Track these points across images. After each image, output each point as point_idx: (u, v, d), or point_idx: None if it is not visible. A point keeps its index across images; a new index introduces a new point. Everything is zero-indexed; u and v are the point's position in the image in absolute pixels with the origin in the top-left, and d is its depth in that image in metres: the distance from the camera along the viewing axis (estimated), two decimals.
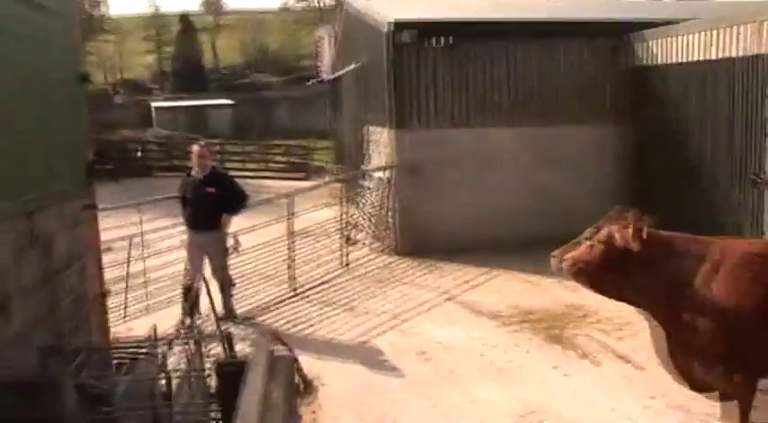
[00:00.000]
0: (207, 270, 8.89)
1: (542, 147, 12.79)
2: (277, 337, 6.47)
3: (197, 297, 8.34)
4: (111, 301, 7.80)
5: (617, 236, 4.91)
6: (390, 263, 11.88)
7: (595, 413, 6.26)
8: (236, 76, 57.51)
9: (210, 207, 8.96)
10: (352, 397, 6.83)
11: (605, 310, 8.94)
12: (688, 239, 5.00)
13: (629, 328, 8.40)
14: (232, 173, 28.68)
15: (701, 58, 10.86)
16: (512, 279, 10.76)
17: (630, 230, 4.86)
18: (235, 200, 9.26)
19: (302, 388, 6.76)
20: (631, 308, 8.80)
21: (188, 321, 8.29)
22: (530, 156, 12.78)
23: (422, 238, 12.33)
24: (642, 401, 6.46)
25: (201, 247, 9.06)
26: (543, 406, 6.43)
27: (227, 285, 9.19)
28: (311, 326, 9.00)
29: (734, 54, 10.00)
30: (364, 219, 13.97)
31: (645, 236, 4.82)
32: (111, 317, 7.52)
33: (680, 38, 11.40)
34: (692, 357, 4.82)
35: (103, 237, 6.97)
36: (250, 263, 10.05)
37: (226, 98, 46.52)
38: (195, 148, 9.62)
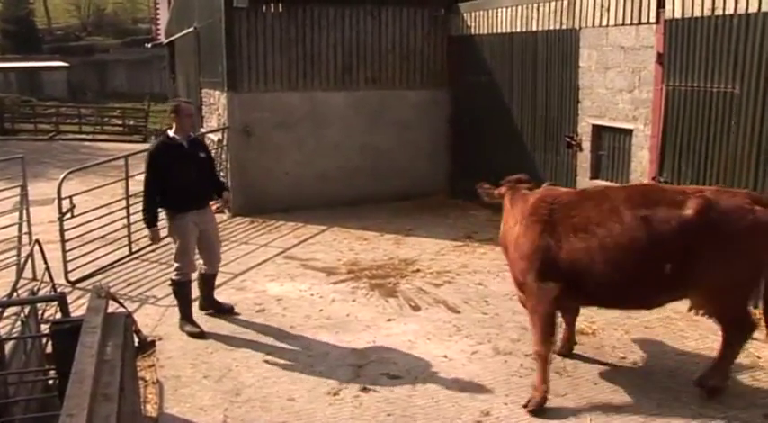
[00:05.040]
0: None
1: (370, 109, 12.83)
2: (112, 296, 6.24)
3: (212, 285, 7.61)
4: None
5: (490, 191, 6.43)
6: (226, 222, 11.68)
7: (428, 361, 6.35)
8: (71, 38, 54.19)
9: (205, 177, 7.25)
10: (192, 354, 6.59)
11: (436, 265, 9.25)
12: (547, 191, 6.08)
13: (456, 279, 8.75)
14: (69, 136, 27.63)
15: (509, 30, 11.27)
16: (345, 235, 10.79)
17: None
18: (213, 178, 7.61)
19: (140, 346, 6.55)
20: (459, 261, 9.25)
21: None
22: (359, 118, 12.79)
23: (256, 198, 12.15)
24: (471, 347, 6.63)
25: (198, 229, 7.18)
26: (380, 356, 6.46)
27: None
28: (149, 286, 8.64)
29: (546, 27, 10.48)
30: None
31: (494, 193, 6.36)
32: None
33: (490, 11, 11.81)
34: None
35: None
36: (86, 225, 9.57)
37: (60, 61, 43.84)
38: (182, 106, 7.27)
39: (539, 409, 5.43)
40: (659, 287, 5.50)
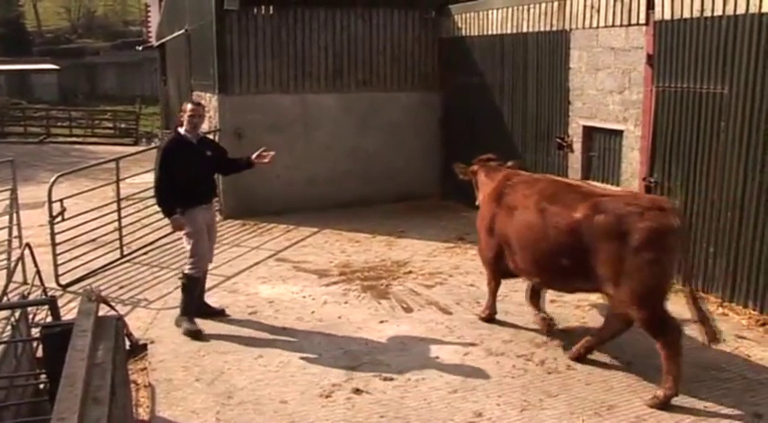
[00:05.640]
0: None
1: (361, 111, 12.83)
2: (103, 299, 6.21)
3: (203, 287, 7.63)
4: None
5: (464, 169, 7.63)
6: (218, 225, 11.61)
7: (422, 362, 6.35)
8: (61, 40, 54.06)
9: (211, 175, 7.52)
10: (184, 357, 6.57)
11: (428, 267, 9.25)
12: (508, 173, 7.03)
13: (448, 281, 8.75)
14: (60, 139, 27.51)
15: (499, 32, 11.29)
16: (337, 237, 10.77)
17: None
18: (233, 165, 7.77)
19: (132, 350, 6.53)
20: (451, 263, 9.25)
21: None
22: (350, 120, 12.79)
23: (248, 201, 12.13)
24: (463, 349, 6.64)
25: (206, 225, 7.37)
26: (372, 358, 6.46)
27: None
28: (141, 289, 8.61)
29: (537, 29, 10.50)
30: None
31: (468, 170, 7.58)
32: None
33: (481, 13, 11.84)
34: None
35: None
36: (77, 228, 9.53)
37: (51, 63, 43.69)
38: (190, 105, 7.44)
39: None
40: (564, 276, 6.07)
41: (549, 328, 6.86)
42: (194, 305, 7.36)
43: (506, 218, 6.50)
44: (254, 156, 7.56)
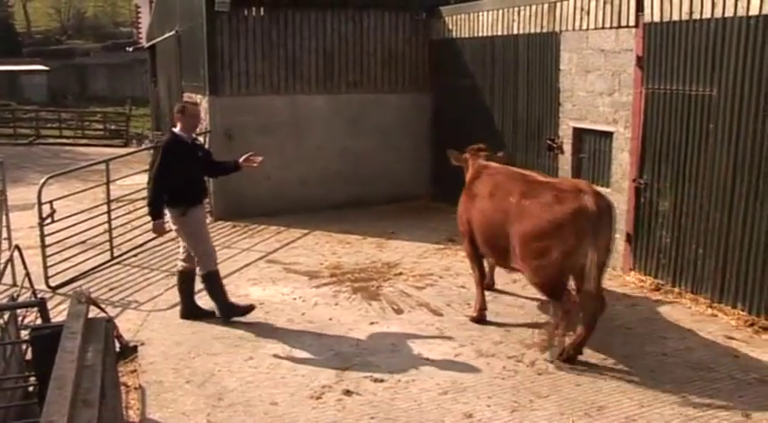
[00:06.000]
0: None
1: (352, 113, 12.83)
2: (93, 301, 6.19)
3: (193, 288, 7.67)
4: None
5: (457, 156, 8.05)
6: (208, 226, 11.59)
7: (412, 364, 6.36)
8: (51, 41, 53.85)
9: (203, 176, 7.58)
10: (174, 359, 6.55)
11: (419, 268, 9.25)
12: (481, 165, 7.61)
13: (438, 282, 8.75)
14: (49, 140, 27.41)
15: (490, 33, 11.30)
16: (328, 239, 10.77)
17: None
18: (220, 167, 7.86)
19: (122, 352, 6.51)
20: (441, 264, 9.26)
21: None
22: (340, 121, 12.78)
23: (238, 203, 12.10)
24: (454, 350, 6.65)
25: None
26: (363, 360, 6.46)
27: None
28: (131, 291, 8.59)
29: (527, 31, 10.53)
30: None
31: (460, 157, 7.98)
32: None
33: (471, 15, 11.86)
34: None
35: None
36: (67, 230, 9.48)
37: (40, 64, 43.52)
38: (189, 107, 7.48)
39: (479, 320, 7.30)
40: (506, 257, 6.74)
41: (488, 287, 7.98)
42: (225, 295, 7.53)
43: (470, 204, 7.27)
44: (241, 159, 7.59)
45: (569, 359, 6.26)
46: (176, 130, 7.33)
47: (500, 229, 6.63)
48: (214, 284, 7.48)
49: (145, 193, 11.99)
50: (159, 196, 7.19)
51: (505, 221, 6.55)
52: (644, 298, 8.00)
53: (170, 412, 5.62)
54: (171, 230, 7.53)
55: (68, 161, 19.36)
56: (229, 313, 7.47)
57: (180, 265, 7.63)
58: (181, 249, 7.68)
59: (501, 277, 8.35)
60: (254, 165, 7.61)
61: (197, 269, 7.50)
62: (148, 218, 10.46)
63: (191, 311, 7.59)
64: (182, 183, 7.16)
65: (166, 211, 7.32)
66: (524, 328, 7.13)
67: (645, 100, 8.28)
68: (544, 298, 6.83)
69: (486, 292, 8.06)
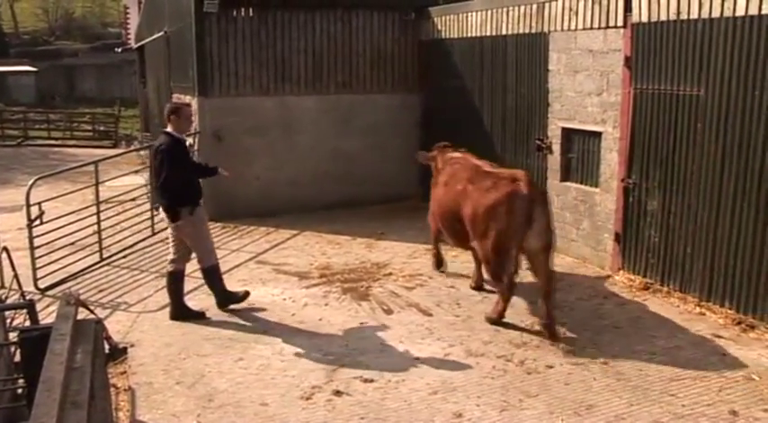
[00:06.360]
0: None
1: (341, 113, 12.83)
2: (82, 303, 6.17)
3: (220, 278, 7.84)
4: None
5: (424, 155, 9.06)
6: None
7: (402, 364, 6.37)
8: (39, 42, 53.54)
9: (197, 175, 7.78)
10: (164, 360, 6.54)
11: (409, 269, 9.26)
12: (445, 159, 8.49)
13: (428, 282, 8.77)
14: (38, 142, 27.29)
15: (478, 34, 11.32)
16: (317, 239, 10.77)
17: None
18: (201, 168, 8.10)
19: (111, 353, 6.49)
20: (431, 265, 9.27)
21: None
22: (330, 122, 12.78)
23: (227, 204, 12.05)
24: (444, 350, 6.66)
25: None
26: (353, 360, 6.46)
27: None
28: (121, 292, 8.56)
29: (516, 31, 10.56)
30: None
31: (428, 155, 8.92)
32: None
33: (461, 16, 11.89)
34: None
35: None
36: (56, 231, 9.44)
37: (28, 65, 43.28)
38: (182, 108, 7.58)
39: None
40: (460, 238, 7.68)
41: (438, 265, 8.98)
42: (224, 284, 7.80)
43: (434, 193, 8.37)
44: (219, 169, 7.91)
45: (552, 335, 6.79)
46: (170, 130, 7.38)
47: (455, 214, 7.57)
48: (215, 277, 7.75)
49: (135, 195, 12.05)
50: (174, 198, 7.29)
51: (457, 206, 7.49)
52: (633, 297, 8.03)
53: (160, 414, 5.61)
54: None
55: (57, 162, 19.28)
56: (228, 301, 7.76)
57: (169, 266, 7.64)
58: (171, 250, 7.68)
59: None
60: (225, 174, 7.93)
61: (201, 264, 7.66)
62: (137, 219, 10.53)
63: (180, 313, 7.58)
64: (186, 182, 7.34)
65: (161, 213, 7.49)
66: (513, 328, 7.14)
67: (633, 100, 8.32)
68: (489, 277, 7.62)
69: (476, 293, 8.14)
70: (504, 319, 7.26)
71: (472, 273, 8.46)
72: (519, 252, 6.95)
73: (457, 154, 8.41)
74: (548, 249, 6.94)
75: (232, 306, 7.82)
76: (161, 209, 7.62)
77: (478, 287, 8.30)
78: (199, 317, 7.59)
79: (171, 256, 7.66)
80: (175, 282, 7.64)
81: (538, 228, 6.81)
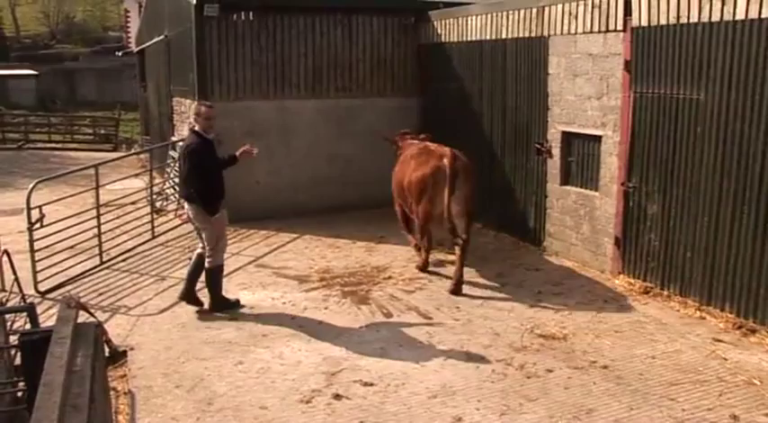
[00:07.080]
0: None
1: (341, 117, 12.83)
2: (82, 306, 6.16)
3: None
4: None
5: (390, 139, 10.56)
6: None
7: (401, 367, 6.36)
8: (40, 46, 53.57)
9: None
10: (164, 364, 6.54)
11: (408, 272, 9.25)
12: (405, 144, 10.07)
13: (427, 286, 8.77)
14: (38, 145, 27.31)
15: (478, 38, 11.32)
16: (317, 243, 10.77)
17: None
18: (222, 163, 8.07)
19: (111, 357, 6.49)
20: (431, 268, 9.26)
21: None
22: (329, 126, 12.78)
23: (228, 207, 12.07)
24: (443, 354, 6.65)
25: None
26: (352, 364, 6.46)
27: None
28: (121, 296, 8.54)
29: (515, 35, 10.56)
30: (172, 189, 13.58)
31: (393, 141, 10.49)
32: None
33: (460, 19, 11.89)
34: None
35: None
36: (56, 235, 9.45)
37: (29, 69, 43.30)
38: (203, 109, 7.68)
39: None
40: (411, 209, 8.98)
41: (418, 250, 9.55)
42: (221, 290, 7.94)
43: (393, 173, 9.64)
44: (238, 153, 7.93)
45: (455, 288, 8.31)
46: (198, 129, 7.61)
47: (403, 187, 9.07)
48: (217, 278, 7.89)
49: (135, 198, 12.04)
50: (207, 195, 7.51)
51: (404, 180, 8.97)
52: (633, 301, 8.03)
53: (159, 417, 5.60)
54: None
55: (57, 166, 19.26)
56: (221, 306, 7.85)
57: (208, 262, 7.83)
58: (207, 246, 7.86)
59: (494, 278, 8.35)
60: (253, 155, 7.97)
61: (208, 262, 7.77)
62: (137, 222, 10.55)
63: (222, 305, 7.89)
64: (211, 181, 7.56)
65: (186, 207, 7.73)
66: (513, 332, 7.14)
67: (633, 104, 8.32)
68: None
69: (476, 298, 8.12)
70: (504, 326, 7.26)
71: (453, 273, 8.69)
72: (449, 216, 8.22)
73: (415, 140, 9.83)
74: (467, 215, 8.50)
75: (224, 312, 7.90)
76: (186, 205, 7.76)
77: (424, 269, 9.25)
78: (237, 306, 7.95)
79: (206, 252, 7.78)
80: (217, 275, 7.89)
81: (459, 195, 8.33)
